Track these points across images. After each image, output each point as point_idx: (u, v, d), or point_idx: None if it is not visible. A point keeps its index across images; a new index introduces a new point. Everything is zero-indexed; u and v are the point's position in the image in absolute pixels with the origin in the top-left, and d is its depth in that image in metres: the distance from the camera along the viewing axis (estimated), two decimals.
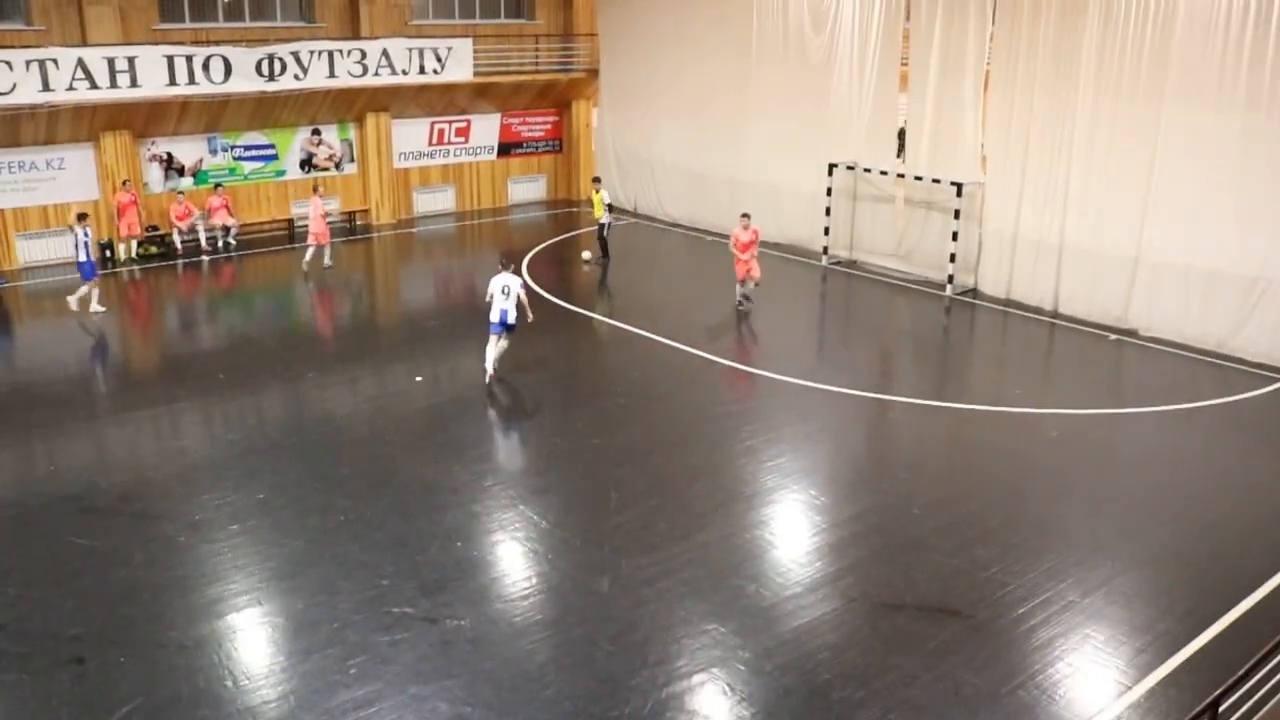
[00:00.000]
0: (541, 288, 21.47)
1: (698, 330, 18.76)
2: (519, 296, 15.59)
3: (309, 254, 23.47)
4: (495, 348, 15.81)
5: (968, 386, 17.01)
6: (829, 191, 23.61)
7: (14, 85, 22.49)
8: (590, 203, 25.76)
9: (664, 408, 15.52)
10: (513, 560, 11.06)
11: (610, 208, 24.42)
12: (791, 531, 11.65)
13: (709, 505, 12.10)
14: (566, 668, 9.03)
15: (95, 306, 20.23)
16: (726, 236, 25.45)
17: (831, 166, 23.40)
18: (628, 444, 13.90)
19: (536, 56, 30.22)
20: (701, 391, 16.24)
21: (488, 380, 15.88)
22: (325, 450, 13.75)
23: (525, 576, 10.63)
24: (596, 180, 25.23)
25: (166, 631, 9.65)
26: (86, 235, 20.05)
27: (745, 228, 19.80)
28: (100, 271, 20.80)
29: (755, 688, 8.77)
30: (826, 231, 23.87)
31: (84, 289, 20.17)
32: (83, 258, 19.99)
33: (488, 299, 15.79)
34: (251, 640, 9.61)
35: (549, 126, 31.78)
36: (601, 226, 24.08)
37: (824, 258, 23.89)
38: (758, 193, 25.51)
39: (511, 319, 15.57)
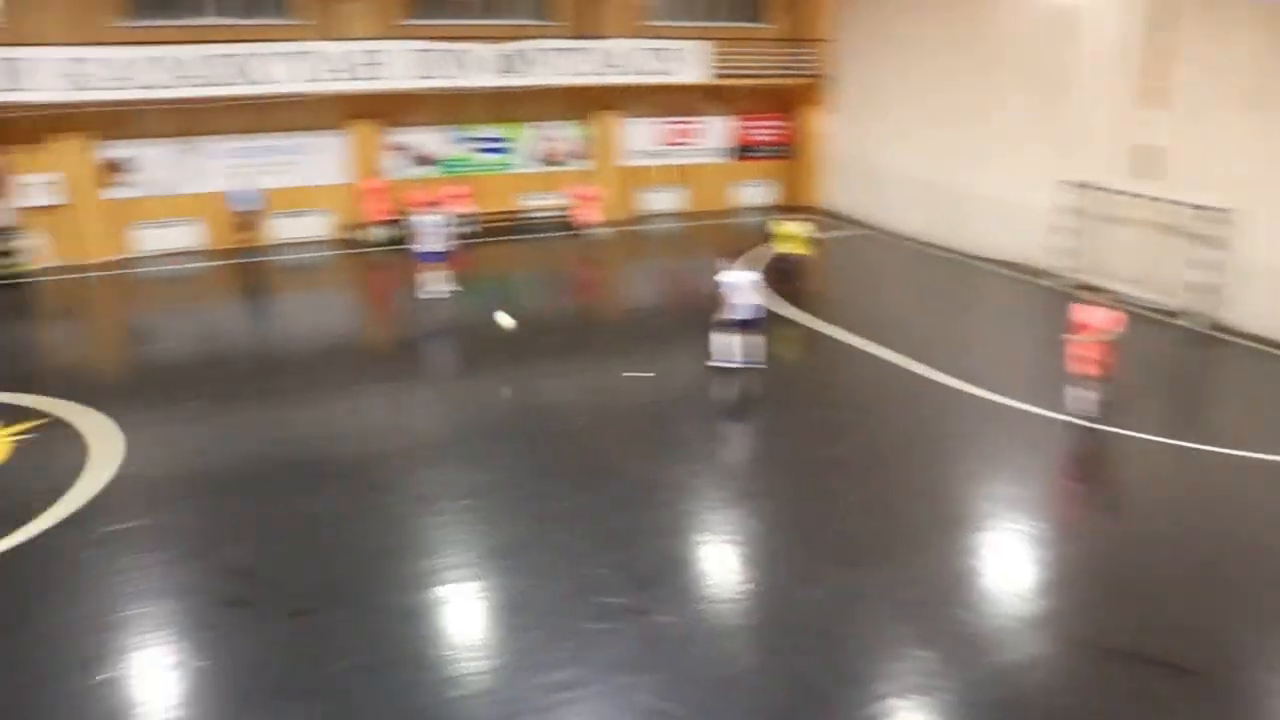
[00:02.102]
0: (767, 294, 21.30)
1: (925, 347, 18.23)
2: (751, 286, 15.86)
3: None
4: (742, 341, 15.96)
5: (1213, 427, 15.85)
6: (1064, 211, 22.58)
7: (281, 75, 24.13)
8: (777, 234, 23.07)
9: (885, 424, 15.18)
10: (724, 562, 11.05)
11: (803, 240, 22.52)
12: (1012, 563, 11.16)
13: (926, 527, 11.74)
14: (769, 675, 8.95)
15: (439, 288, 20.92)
16: (958, 253, 24.85)
17: (1068, 185, 22.38)
18: (847, 457, 13.64)
19: (769, 61, 30.12)
20: (926, 410, 15.77)
21: (738, 369, 16.08)
22: (547, 438, 14.09)
23: (735, 580, 10.60)
24: (790, 213, 23.59)
25: (387, 595, 10.13)
26: (444, 222, 20.81)
27: (1092, 308, 15.17)
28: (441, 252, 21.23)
29: None
30: (1059, 252, 22.84)
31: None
32: (433, 245, 20.69)
33: (725, 294, 15.88)
34: (465, 612, 9.97)
35: (779, 131, 31.67)
36: (785, 258, 22.41)
37: (1055, 279, 22.84)
38: (988, 208, 24.71)
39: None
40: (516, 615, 9.80)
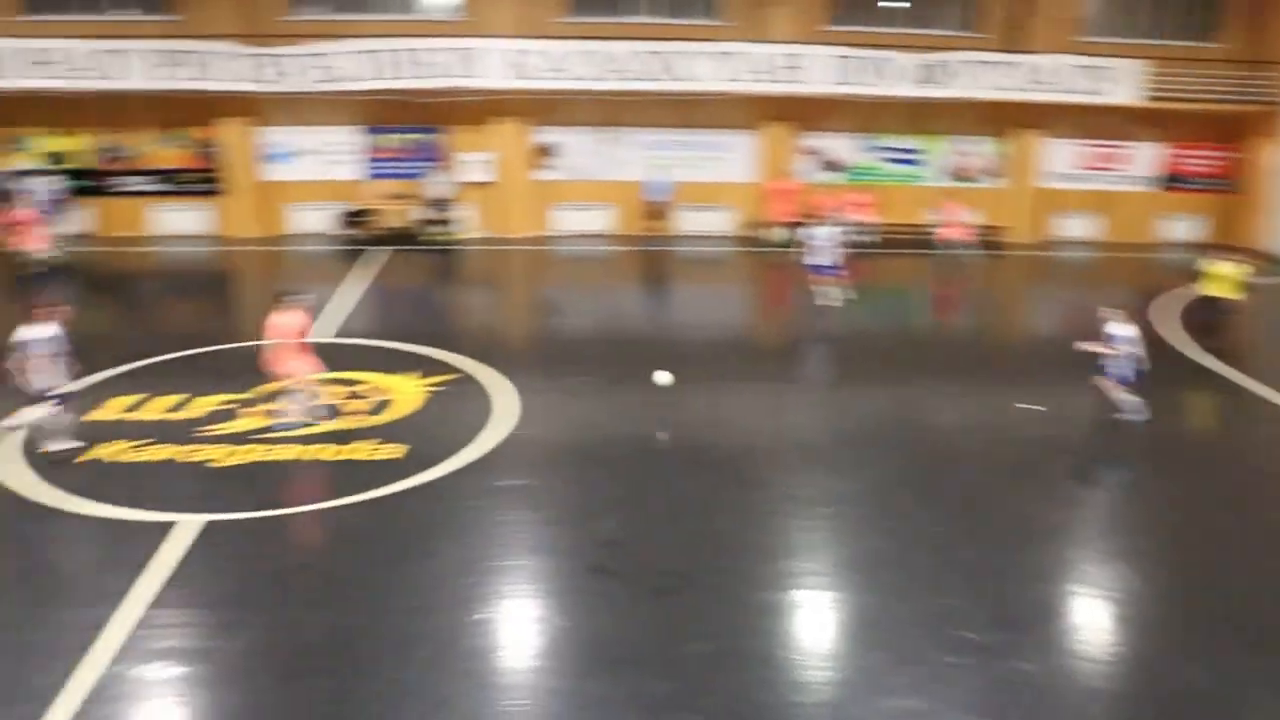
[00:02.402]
0: (1180, 339, 19.64)
1: None
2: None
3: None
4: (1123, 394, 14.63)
5: None
6: None
7: (701, 74, 25.07)
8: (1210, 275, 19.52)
9: None
10: (1098, 619, 10.21)
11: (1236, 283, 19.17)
12: None
13: None
14: None
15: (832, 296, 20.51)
16: None
17: None
18: (1252, 528, 12.19)
19: (1214, 83, 27.35)
20: None
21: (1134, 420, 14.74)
22: (924, 458, 13.73)
23: (1108, 639, 9.80)
24: (1225, 253, 19.82)
25: (743, 588, 10.28)
26: (834, 235, 20.54)
27: None
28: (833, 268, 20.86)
29: None
30: None
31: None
32: (823, 258, 20.43)
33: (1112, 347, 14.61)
34: (818, 620, 9.92)
35: (1220, 163, 28.85)
36: (1216, 301, 19.23)
37: None
38: None
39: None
40: (867, 632, 9.64)
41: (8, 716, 8.05)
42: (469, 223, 26.75)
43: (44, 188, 25.82)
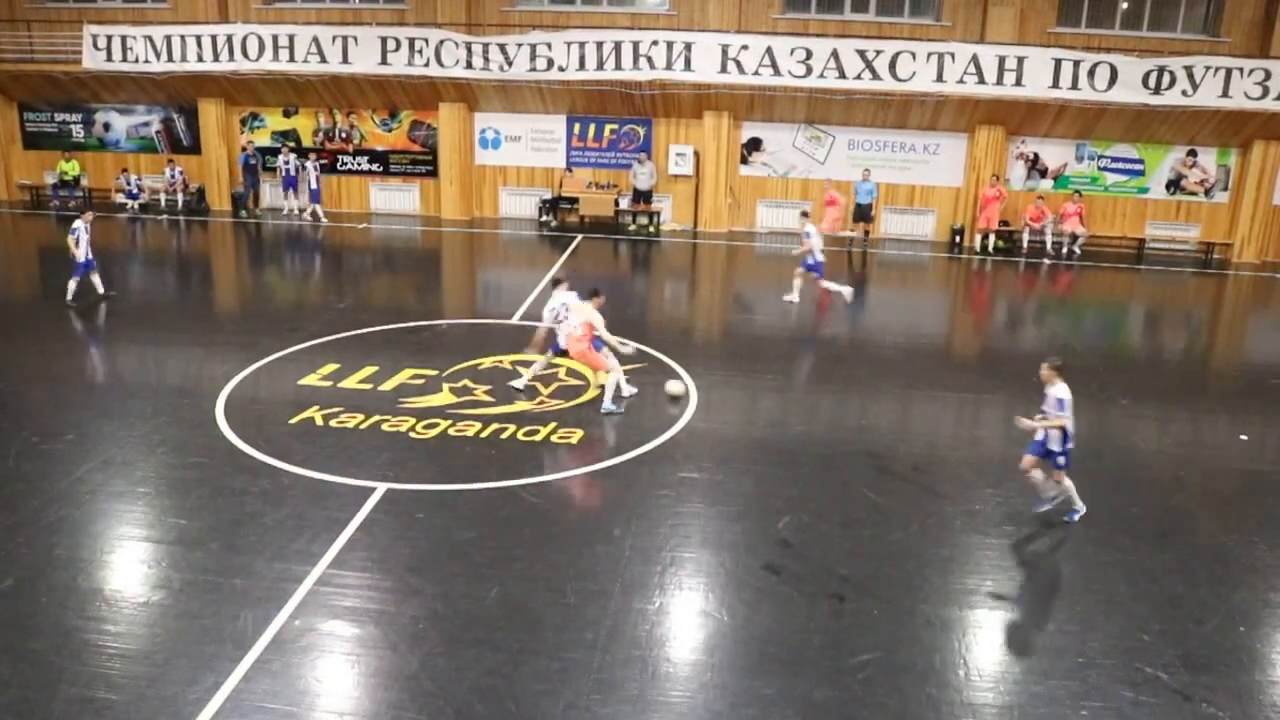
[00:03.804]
0: None
1: None
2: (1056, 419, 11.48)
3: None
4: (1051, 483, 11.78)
5: None
6: None
7: (913, 74, 24.50)
8: None
9: None
10: None
11: None
12: None
13: None
14: None
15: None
16: None
17: None
18: None
19: None
20: None
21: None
22: (1120, 482, 13.09)
23: None
24: None
25: (919, 602, 10.01)
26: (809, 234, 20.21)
27: None
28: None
29: None
30: None
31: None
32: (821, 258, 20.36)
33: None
34: (993, 641, 9.58)
35: None
36: None
37: None
38: None
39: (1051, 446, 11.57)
40: (1046, 659, 9.23)
41: (199, 656, 8.63)
42: (670, 215, 27.00)
43: (290, 163, 27.59)
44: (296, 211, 27.70)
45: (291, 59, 25.76)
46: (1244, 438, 14.79)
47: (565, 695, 8.36)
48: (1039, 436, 11.65)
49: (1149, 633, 9.68)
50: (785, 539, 11.06)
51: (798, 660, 8.96)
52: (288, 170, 27.55)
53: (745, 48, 24.71)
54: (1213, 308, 23.91)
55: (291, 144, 28.12)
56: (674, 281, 23.69)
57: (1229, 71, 24.37)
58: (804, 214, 21.54)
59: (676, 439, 13.53)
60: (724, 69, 24.89)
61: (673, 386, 14.87)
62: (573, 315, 14.23)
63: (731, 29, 25.16)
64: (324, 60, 25.72)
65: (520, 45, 25.22)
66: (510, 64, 25.34)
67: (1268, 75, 24.29)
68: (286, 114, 28.06)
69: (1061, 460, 11.58)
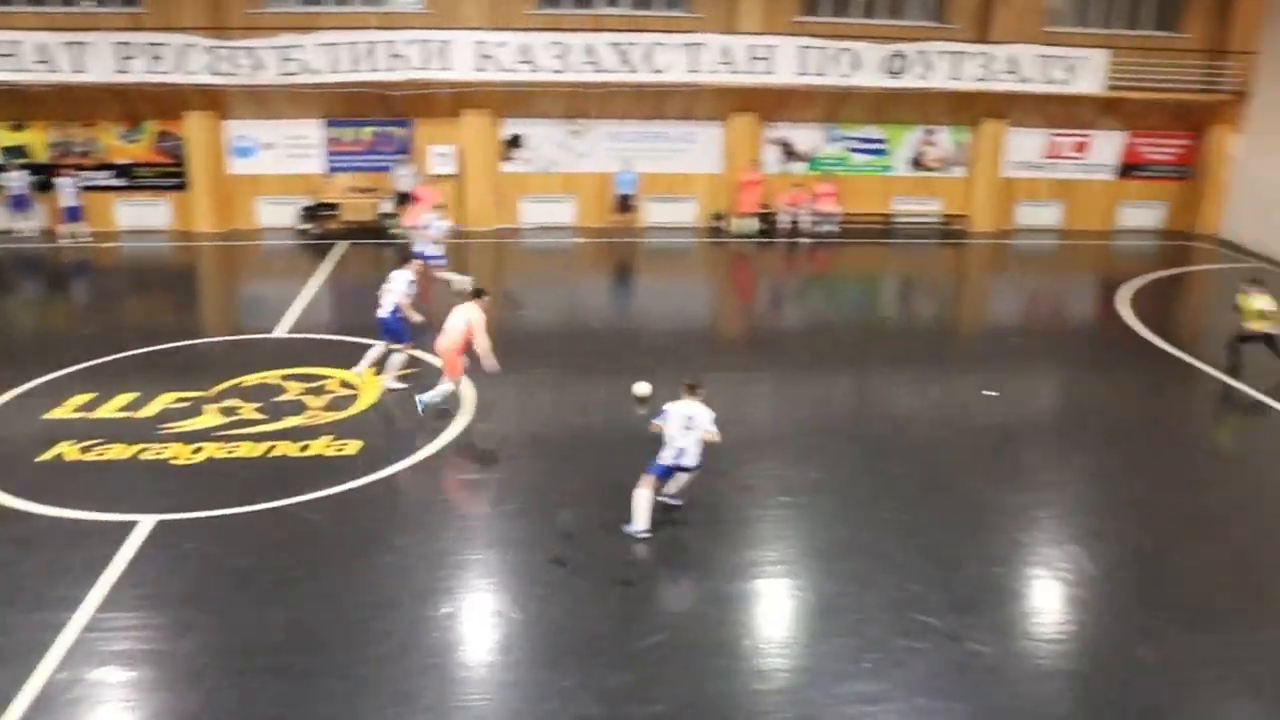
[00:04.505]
0: (1140, 323, 19.89)
1: None
2: (707, 433, 11.04)
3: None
4: (650, 493, 11.15)
5: None
6: None
7: (668, 65, 25.10)
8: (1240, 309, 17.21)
9: (1251, 475, 13.75)
10: (1049, 600, 10.39)
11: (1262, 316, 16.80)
12: None
13: None
14: None
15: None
16: None
17: None
18: (1207, 507, 12.45)
19: (1177, 73, 27.66)
20: None
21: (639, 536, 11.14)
22: (882, 446, 13.84)
23: (1060, 620, 9.96)
24: (1254, 283, 17.18)
25: (705, 579, 10.36)
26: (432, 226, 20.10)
27: None
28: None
29: None
30: None
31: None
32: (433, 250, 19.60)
33: (657, 429, 11.31)
34: (778, 609, 10.00)
35: (1180, 151, 29.10)
36: (1264, 337, 16.75)
37: None
38: None
39: (692, 461, 11.11)
40: (828, 619, 9.71)
41: None
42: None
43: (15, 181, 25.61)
44: (32, 233, 25.81)
45: (17, 68, 24.00)
46: (991, 394, 15.88)
47: (362, 713, 8.19)
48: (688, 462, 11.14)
49: (918, 583, 10.31)
50: (570, 531, 11.16)
51: (591, 649, 9.09)
52: (19, 190, 25.59)
53: (501, 44, 24.65)
54: (956, 275, 25.56)
55: (20, 161, 26.15)
56: (443, 282, 23.32)
57: (957, 56, 26.08)
58: (401, 198, 22.39)
59: (456, 442, 13.42)
60: (481, 66, 24.75)
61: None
62: (455, 314, 13.78)
63: (487, 26, 25.04)
64: (54, 69, 24.08)
65: (270, 48, 24.34)
66: (260, 68, 24.42)
67: (990, 59, 26.14)
68: (16, 128, 26.13)
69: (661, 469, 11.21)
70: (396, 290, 15.08)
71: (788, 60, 25.45)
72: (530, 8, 25.81)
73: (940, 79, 26.10)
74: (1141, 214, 29.43)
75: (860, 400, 15.80)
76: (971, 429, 14.69)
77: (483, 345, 13.53)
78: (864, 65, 25.68)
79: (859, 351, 17.69)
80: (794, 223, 26.97)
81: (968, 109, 27.36)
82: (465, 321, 13.64)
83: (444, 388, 14.00)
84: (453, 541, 10.90)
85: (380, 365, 15.35)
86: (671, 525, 11.33)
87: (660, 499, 11.39)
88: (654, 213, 27.35)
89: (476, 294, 14.12)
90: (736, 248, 26.06)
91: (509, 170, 26.91)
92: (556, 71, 24.98)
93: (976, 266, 26.33)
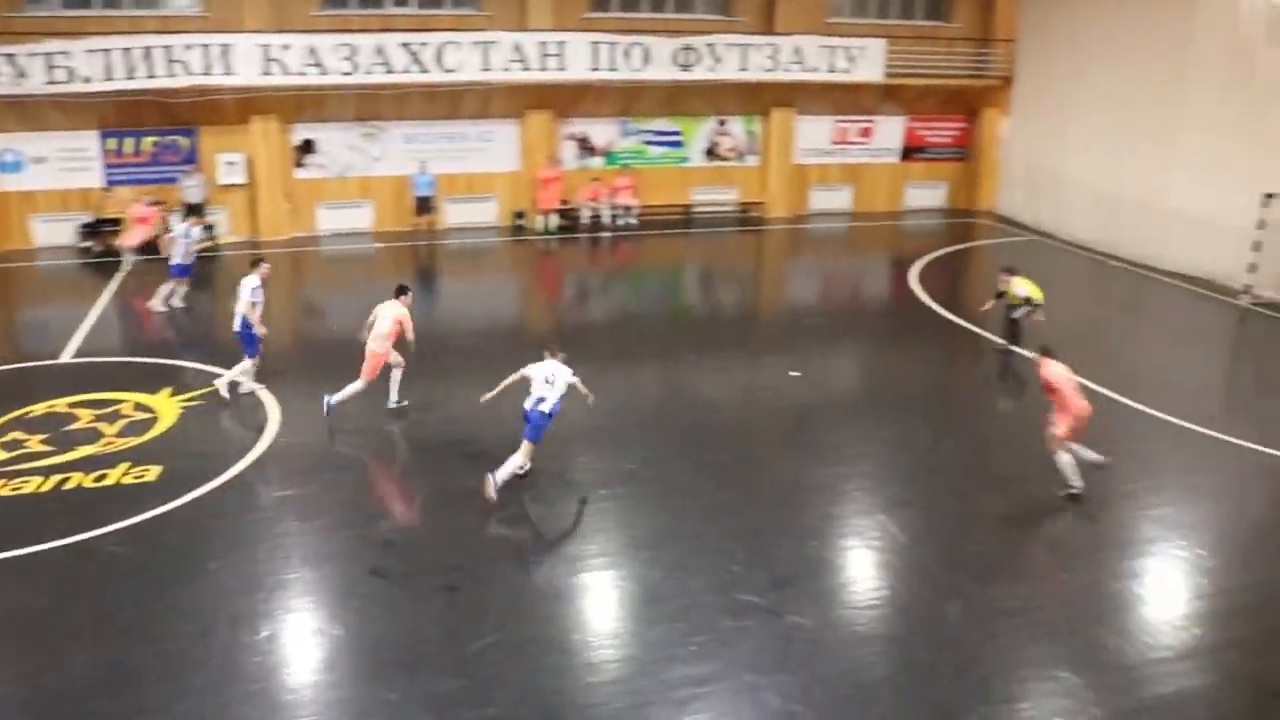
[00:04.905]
0: (928, 297, 20.98)
1: (1087, 360, 17.54)
2: (567, 386, 12.02)
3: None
4: (523, 458, 11.99)
5: None
6: (1261, 224, 21.29)
7: (460, 64, 24.87)
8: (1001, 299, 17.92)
9: (1035, 435, 14.67)
10: (864, 569, 10.88)
11: (1028, 302, 17.50)
12: (1168, 590, 10.64)
13: (1078, 545, 11.33)
14: (903, 687, 8.77)
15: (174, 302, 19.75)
16: (1139, 266, 23.81)
17: (1269, 196, 21.08)
18: (1001, 470, 13.25)
19: (950, 60, 29.31)
20: (1093, 427, 15.17)
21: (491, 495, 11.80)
22: (695, 433, 14.13)
23: (875, 587, 10.43)
24: (1009, 271, 17.87)
25: (530, 577, 10.38)
26: (194, 234, 19.83)
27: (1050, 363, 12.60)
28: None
29: None
30: (1252, 269, 21.57)
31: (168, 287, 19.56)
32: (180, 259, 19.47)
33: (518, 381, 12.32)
34: (605, 601, 10.11)
35: (956, 133, 30.81)
36: (1012, 307, 17.65)
37: (1244, 297, 21.60)
38: (1174, 220, 23.56)
39: (549, 408, 11.84)
40: (654, 607, 9.87)
41: None
42: (226, 227, 25.64)
43: None
44: None
45: None
46: (795, 375, 16.42)
47: None
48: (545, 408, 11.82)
49: (738, 564, 10.59)
50: (389, 540, 10.99)
51: (418, 658, 8.97)
52: None
53: (287, 47, 23.89)
54: (756, 261, 26.31)
55: None
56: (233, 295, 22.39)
57: (745, 48, 26.83)
58: (190, 210, 22.29)
59: (264, 459, 12.96)
60: (266, 70, 23.94)
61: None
62: (383, 313, 13.90)
63: (269, 28, 24.22)
64: None
65: (34, 55, 22.86)
66: (24, 77, 22.91)
67: (777, 50, 27.01)
68: None
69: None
70: (242, 299, 14.64)
71: (580, 56, 25.64)
72: (315, 9, 25.13)
73: (730, 71, 26.82)
74: (925, 194, 31.00)
75: (670, 389, 16.08)
76: (779, 410, 15.16)
77: (410, 337, 13.96)
78: (655, 59, 26.13)
79: (666, 341, 18.00)
80: (595, 217, 27.19)
81: (757, 99, 28.21)
82: (394, 320, 13.82)
83: (353, 387, 13.85)
84: (268, 561, 10.55)
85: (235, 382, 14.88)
86: (491, 527, 11.30)
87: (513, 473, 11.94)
88: (454, 214, 27.06)
89: (399, 292, 14.24)
90: (539, 245, 26.09)
91: (302, 177, 26.14)
92: (346, 74, 24.42)
93: (775, 252, 27.16)
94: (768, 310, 22.30)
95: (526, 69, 25.44)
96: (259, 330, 14.72)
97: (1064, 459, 12.26)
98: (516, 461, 11.85)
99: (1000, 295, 17.73)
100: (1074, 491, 12.25)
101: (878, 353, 18.14)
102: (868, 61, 27.85)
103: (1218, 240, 22.45)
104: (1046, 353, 12.76)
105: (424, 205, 26.20)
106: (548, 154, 26.86)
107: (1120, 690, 8.80)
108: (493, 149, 27.00)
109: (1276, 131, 21.29)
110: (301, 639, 9.36)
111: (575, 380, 12.03)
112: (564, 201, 27.03)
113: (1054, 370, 12.38)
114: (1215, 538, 11.77)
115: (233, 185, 25.34)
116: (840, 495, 12.41)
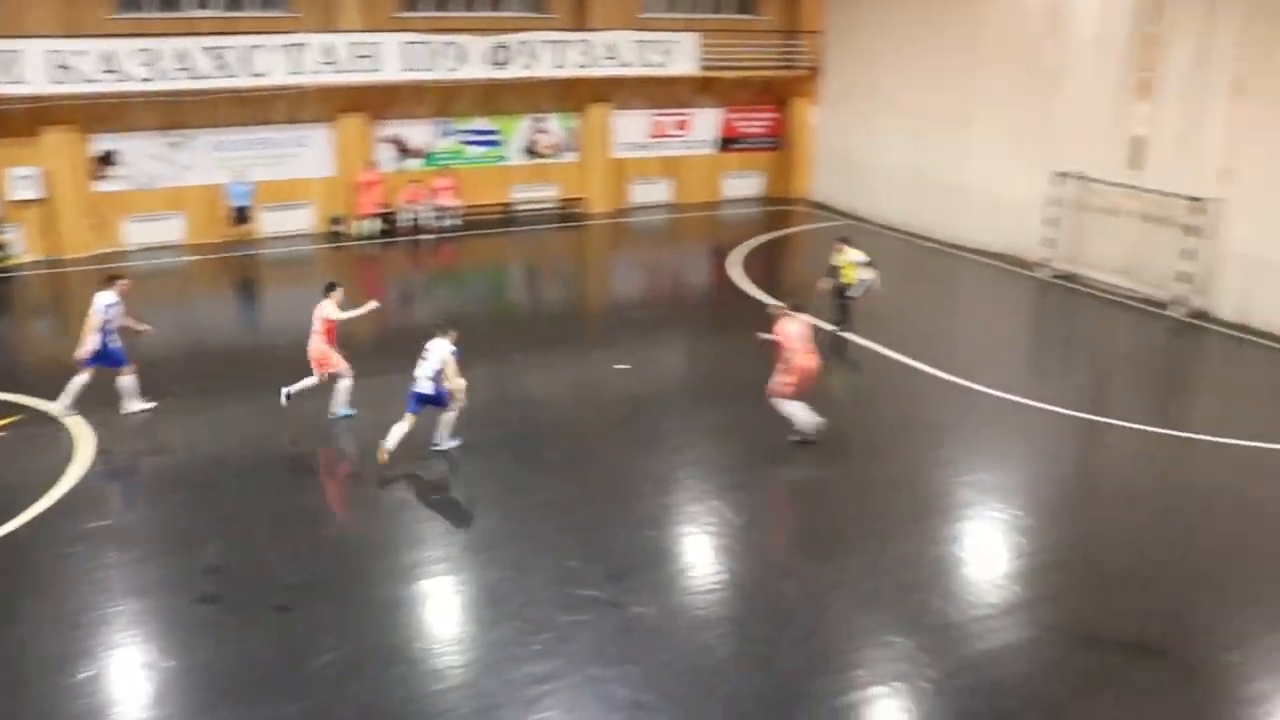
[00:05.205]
0: (749, 284, 21.48)
1: (904, 337, 18.33)
2: (445, 366, 12.51)
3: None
4: (405, 425, 12.68)
5: (1192, 415, 15.99)
6: (1052, 201, 22.63)
7: (269, 68, 24.12)
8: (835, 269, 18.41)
9: (866, 415, 15.26)
10: (701, 554, 11.11)
11: (869, 264, 18.23)
12: (986, 551, 11.27)
13: (902, 516, 11.82)
14: (745, 667, 9.01)
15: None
16: (945, 244, 24.93)
17: (1057, 175, 22.43)
18: (827, 449, 13.69)
19: (761, 53, 30.09)
20: (905, 400, 15.87)
21: (382, 461, 12.63)
22: (527, 432, 14.13)
23: (712, 571, 10.67)
24: (843, 240, 18.54)
25: (368, 589, 10.17)
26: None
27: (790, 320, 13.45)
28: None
29: (937, 707, 8.52)
30: (1047, 243, 22.90)
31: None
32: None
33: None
34: (444, 606, 10.03)
35: (769, 123, 31.61)
36: (851, 286, 18.19)
37: (1042, 270, 22.92)
38: (975, 199, 24.82)
39: (425, 389, 12.59)
40: (495, 608, 9.84)
41: None
42: (21, 245, 24.19)
43: None
44: None
45: None
46: (621, 367, 16.59)
47: None
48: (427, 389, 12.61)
49: (576, 559, 10.67)
50: (216, 565, 10.61)
51: (256, 682, 8.71)
52: None
53: (80, 54, 22.68)
54: (578, 257, 26.44)
55: None
56: (37, 317, 21.27)
57: (559, 45, 26.88)
58: None
59: (77, 490, 12.27)
60: (58, 79, 22.67)
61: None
62: (314, 315, 13.99)
63: (60, 34, 22.92)
64: None
65: None
66: None
67: (591, 46, 27.17)
68: None
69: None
70: (96, 313, 13.92)
71: (392, 57, 25.24)
72: (109, 13, 23.93)
73: (545, 68, 26.84)
74: (743, 184, 31.69)
75: (500, 389, 15.99)
76: (609, 403, 15.31)
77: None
78: (469, 58, 25.94)
79: (493, 341, 17.88)
80: (415, 220, 26.81)
81: (574, 95, 28.31)
82: (320, 320, 13.94)
83: (308, 381, 14.12)
84: (87, 598, 10.02)
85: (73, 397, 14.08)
86: (325, 542, 11.06)
87: (435, 449, 12.88)
88: (270, 222, 26.20)
89: (328, 289, 14.25)
90: (360, 250, 25.54)
91: (104, 190, 24.87)
92: (146, 80, 23.35)
93: (597, 247, 27.34)
94: (593, 305, 22.44)
95: (338, 71, 24.87)
96: (140, 330, 14.53)
97: (791, 407, 13.17)
98: (402, 429, 12.59)
99: (834, 271, 18.29)
100: (803, 438, 13.26)
101: (702, 342, 18.49)
102: (681, 55, 28.31)
103: (1016, 218, 23.75)
104: (791, 310, 13.56)
105: (242, 215, 25.27)
106: (364, 158, 26.34)
107: (948, 649, 9.26)
108: (307, 154, 26.27)
109: (1062, 114, 22.66)
110: (129, 675, 8.94)
111: (450, 358, 12.45)
112: (383, 205, 26.55)
113: (789, 328, 13.22)
114: (1028, 499, 12.49)
115: (27, 201, 23.94)
116: (673, 484, 12.62)
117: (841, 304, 18.21)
